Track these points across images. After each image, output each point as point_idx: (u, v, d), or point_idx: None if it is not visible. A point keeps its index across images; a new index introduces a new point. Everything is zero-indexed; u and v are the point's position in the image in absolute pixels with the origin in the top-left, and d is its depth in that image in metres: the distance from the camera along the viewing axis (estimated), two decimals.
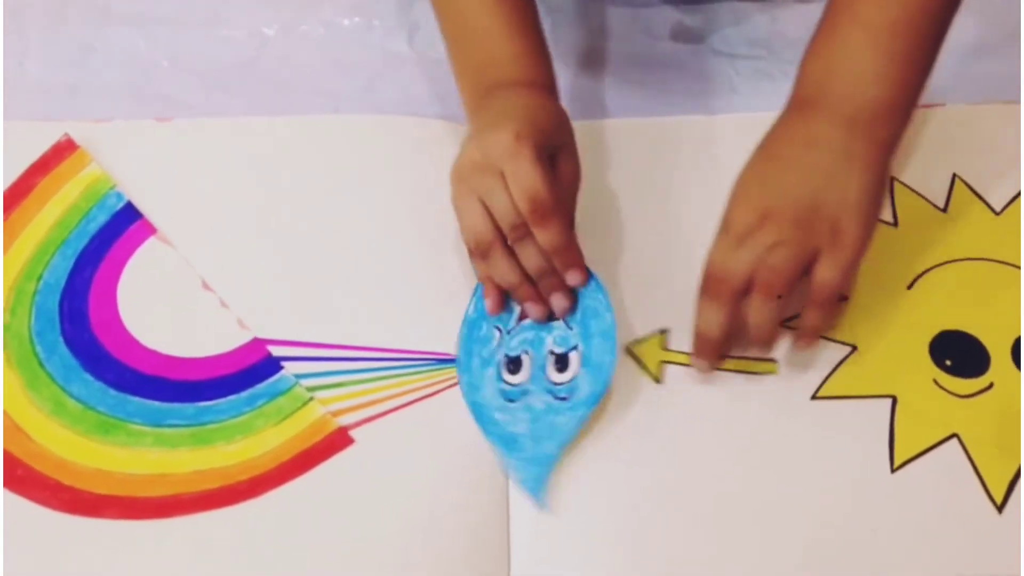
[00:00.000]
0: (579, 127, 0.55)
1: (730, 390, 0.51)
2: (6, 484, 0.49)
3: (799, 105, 0.51)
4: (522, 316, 0.52)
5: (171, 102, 0.64)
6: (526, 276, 0.51)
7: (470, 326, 0.53)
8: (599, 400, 0.50)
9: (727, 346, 0.51)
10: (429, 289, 0.55)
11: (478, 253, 0.51)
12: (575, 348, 0.51)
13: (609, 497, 0.49)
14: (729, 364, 0.52)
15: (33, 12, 0.68)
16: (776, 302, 0.49)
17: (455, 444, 0.50)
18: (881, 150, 0.50)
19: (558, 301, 0.51)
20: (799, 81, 0.52)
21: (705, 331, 0.50)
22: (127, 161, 0.60)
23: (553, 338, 0.51)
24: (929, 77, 0.51)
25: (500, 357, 0.52)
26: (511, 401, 0.50)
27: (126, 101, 0.64)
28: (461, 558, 0.47)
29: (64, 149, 0.60)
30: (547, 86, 0.55)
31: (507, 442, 0.49)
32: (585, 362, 0.51)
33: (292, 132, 0.62)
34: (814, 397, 0.51)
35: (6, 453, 0.50)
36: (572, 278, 0.51)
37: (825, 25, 0.51)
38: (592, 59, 0.66)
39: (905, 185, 0.58)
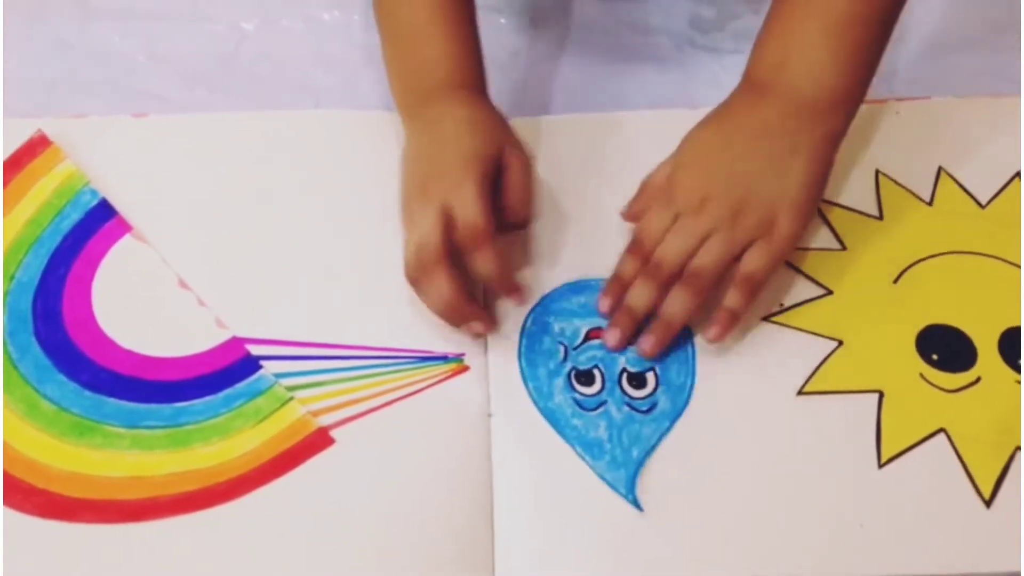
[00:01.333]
0: (561, 121, 0.54)
1: (712, 386, 0.51)
2: None
3: (752, 87, 0.53)
4: (590, 336, 0.53)
5: (150, 97, 0.63)
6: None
7: (530, 338, 0.52)
8: (682, 415, 0.50)
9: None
10: (410, 287, 0.54)
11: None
12: (651, 369, 0.51)
13: (593, 496, 0.48)
14: None
15: (9, 8, 0.67)
16: (699, 296, 0.51)
17: (438, 444, 0.50)
18: (827, 142, 0.52)
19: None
20: (753, 63, 0.54)
21: (635, 306, 0.52)
22: (102, 157, 0.59)
23: (626, 359, 0.52)
24: (875, 72, 0.53)
25: (568, 370, 0.52)
26: (587, 409, 0.50)
27: (105, 97, 0.63)
28: (445, 559, 0.46)
29: (37, 145, 0.59)
30: (479, 87, 0.56)
31: (589, 447, 0.49)
32: (663, 381, 0.51)
33: (271, 128, 0.61)
34: (800, 393, 0.50)
35: None
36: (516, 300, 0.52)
37: (780, 11, 0.52)
38: (575, 53, 0.66)
39: (890, 178, 0.58)
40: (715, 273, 0.50)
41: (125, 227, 0.56)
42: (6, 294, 0.54)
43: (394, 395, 0.51)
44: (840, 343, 0.52)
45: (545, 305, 0.54)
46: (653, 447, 0.49)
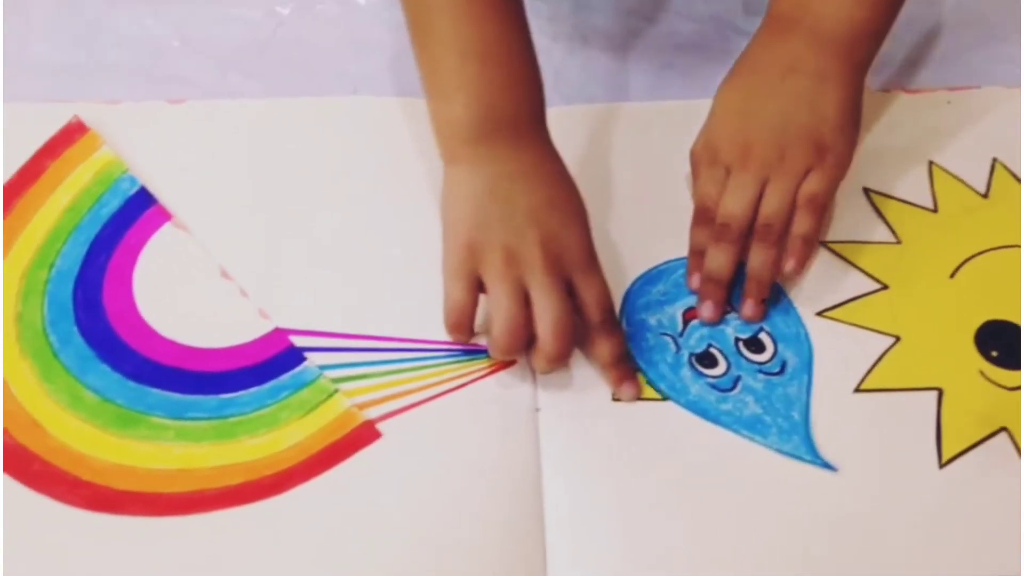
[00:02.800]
0: (605, 109, 0.53)
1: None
2: (22, 480, 0.47)
3: (775, 25, 0.54)
4: (688, 318, 0.52)
5: (183, 83, 0.62)
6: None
7: (634, 341, 0.51)
8: (813, 362, 0.50)
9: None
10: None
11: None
12: (760, 330, 0.51)
13: (644, 492, 0.47)
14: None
15: None
16: (777, 245, 0.51)
17: (486, 438, 0.49)
18: (855, 70, 0.52)
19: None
20: (774, 2, 0.54)
21: (716, 272, 0.51)
22: (138, 144, 0.58)
23: (732, 327, 0.52)
24: (900, 6, 0.54)
25: (687, 358, 0.51)
26: (726, 390, 0.50)
27: (136, 83, 0.62)
28: (495, 555, 0.46)
29: (74, 131, 0.58)
30: (542, 121, 0.52)
31: (751, 426, 0.49)
32: (779, 338, 0.51)
33: (310, 114, 0.60)
34: (857, 390, 0.49)
35: (21, 448, 0.48)
36: (626, 391, 0.49)
37: None
38: (620, 41, 0.64)
39: (944, 170, 0.57)
40: (784, 218, 0.51)
41: (165, 215, 0.56)
42: (46, 282, 0.54)
43: (440, 388, 0.50)
44: (897, 339, 0.51)
45: (631, 303, 0.53)
46: (807, 404, 0.49)
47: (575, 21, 0.65)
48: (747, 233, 0.51)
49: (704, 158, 0.53)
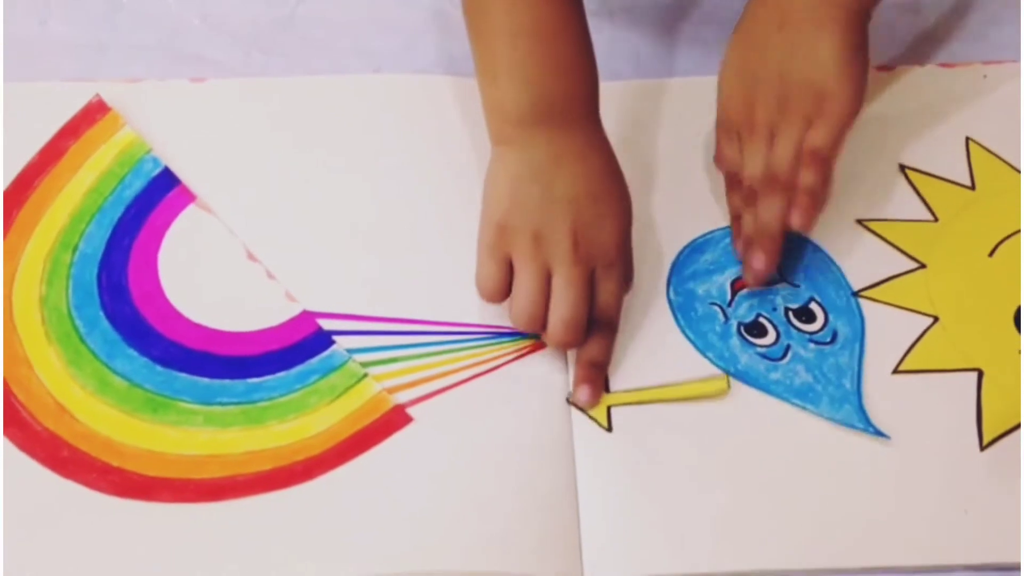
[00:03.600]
0: (649, 84, 0.52)
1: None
2: (51, 466, 0.47)
3: None
4: (737, 288, 0.51)
5: (204, 61, 0.61)
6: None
7: (682, 310, 0.51)
8: (865, 333, 0.49)
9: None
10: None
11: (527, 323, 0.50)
12: (811, 300, 0.51)
13: (686, 466, 0.47)
14: (676, 392, 0.49)
15: None
16: (783, 196, 0.50)
17: (519, 421, 0.48)
18: (854, 15, 0.51)
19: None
20: None
21: (771, 223, 0.50)
22: (160, 123, 0.57)
23: (782, 297, 0.51)
24: None
25: (735, 328, 0.50)
26: (776, 359, 0.49)
27: (157, 61, 0.61)
28: (530, 538, 0.45)
29: (95, 111, 0.58)
30: (594, 107, 0.51)
31: (801, 395, 0.48)
32: (830, 308, 0.50)
33: (333, 92, 0.59)
34: (896, 371, 0.49)
35: (50, 434, 0.48)
36: (582, 394, 0.49)
37: None
38: (663, 17, 0.63)
39: (981, 146, 0.56)
40: (788, 169, 0.50)
41: (189, 196, 0.55)
42: (70, 265, 0.53)
43: (471, 372, 0.50)
44: (935, 319, 0.50)
45: (678, 272, 0.52)
46: (859, 373, 0.48)
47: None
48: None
49: (720, 127, 0.54)
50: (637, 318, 0.51)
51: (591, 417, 0.48)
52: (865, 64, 0.51)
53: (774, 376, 0.49)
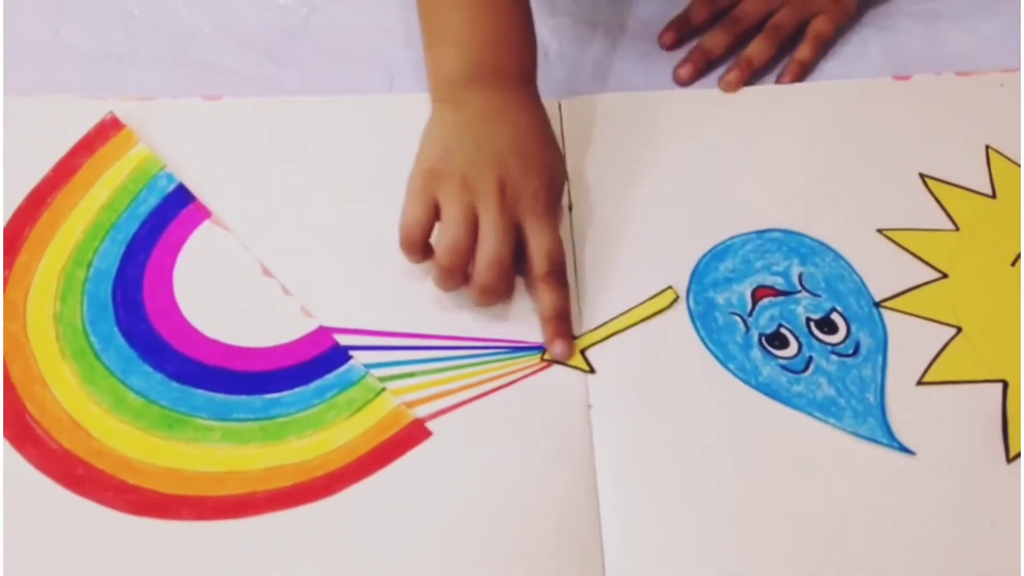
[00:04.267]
0: (661, 95, 0.53)
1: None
2: (67, 484, 0.47)
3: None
4: (758, 297, 0.51)
5: (217, 71, 0.61)
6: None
7: (702, 319, 0.51)
8: (888, 345, 0.49)
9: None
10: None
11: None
12: (833, 310, 0.50)
13: (708, 481, 0.46)
14: (632, 317, 0.50)
15: None
16: (774, 48, 0.59)
17: (539, 435, 0.48)
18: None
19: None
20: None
21: (710, 49, 0.60)
22: (174, 141, 0.57)
23: (803, 307, 0.51)
24: None
25: (756, 338, 0.50)
26: (798, 372, 0.49)
27: (170, 70, 0.61)
28: (552, 553, 0.45)
29: (109, 128, 0.57)
30: (529, 72, 0.54)
31: (825, 408, 0.48)
32: (852, 319, 0.50)
33: (347, 111, 0.59)
34: (920, 383, 0.48)
35: (65, 451, 0.47)
36: (559, 348, 0.50)
37: None
38: (641, 27, 0.63)
39: (1001, 154, 0.55)
40: (793, 29, 0.59)
41: (204, 213, 0.55)
42: (84, 281, 0.53)
43: (489, 386, 0.49)
44: (959, 330, 0.50)
45: (698, 281, 0.52)
46: (882, 386, 0.48)
47: (617, 9, 0.64)
48: (750, 34, 0.60)
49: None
50: (657, 328, 0.50)
51: (571, 366, 0.49)
52: None
53: (796, 389, 0.48)
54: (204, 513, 0.46)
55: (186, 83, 0.60)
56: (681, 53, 0.61)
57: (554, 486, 0.46)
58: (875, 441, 0.47)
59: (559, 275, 0.50)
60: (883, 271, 0.51)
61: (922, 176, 0.55)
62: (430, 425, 0.48)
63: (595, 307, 0.51)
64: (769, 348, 0.50)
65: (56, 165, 0.56)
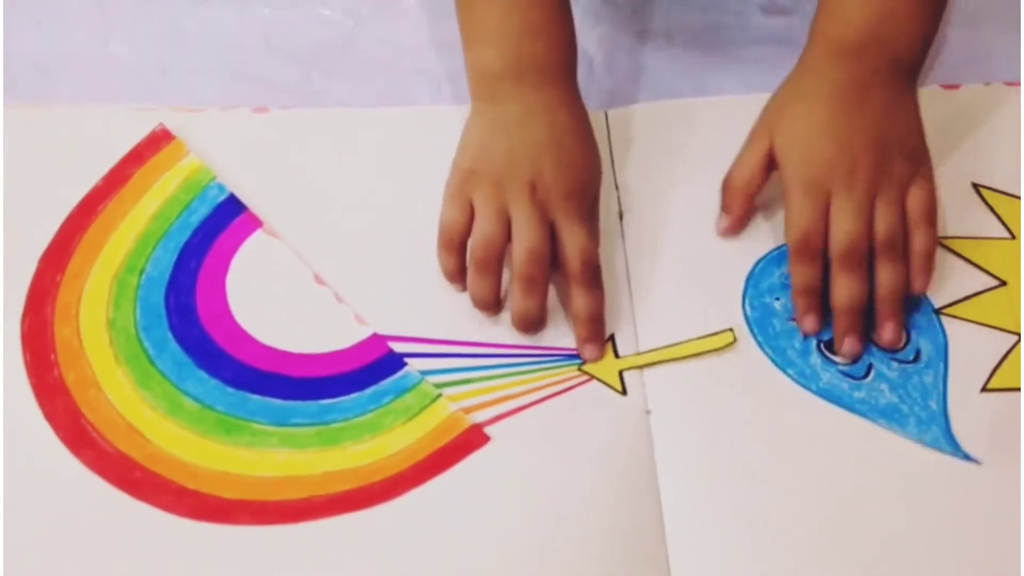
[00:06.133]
0: (715, 102, 0.52)
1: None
2: (124, 487, 0.46)
3: (837, 47, 0.52)
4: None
5: (265, 83, 0.61)
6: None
7: (759, 324, 0.50)
8: (949, 351, 0.49)
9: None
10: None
11: None
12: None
13: (772, 487, 0.46)
14: (685, 350, 0.49)
15: None
16: (904, 261, 0.50)
17: (598, 440, 0.47)
18: (914, 79, 0.53)
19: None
20: (834, 24, 0.52)
21: (853, 301, 0.49)
22: (223, 152, 0.57)
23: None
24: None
25: (815, 345, 0.50)
26: (859, 378, 0.48)
27: (219, 83, 0.61)
28: (615, 555, 0.44)
29: (159, 139, 0.57)
30: (568, 68, 0.54)
31: (888, 414, 0.48)
32: (913, 326, 0.50)
33: (394, 123, 0.59)
34: (984, 390, 0.48)
35: (122, 455, 0.47)
36: (589, 352, 0.49)
37: None
38: (685, 35, 0.63)
39: None
40: (903, 232, 0.49)
41: (256, 222, 0.55)
42: (137, 288, 0.53)
43: (546, 392, 0.49)
44: (1020, 337, 0.49)
45: (754, 286, 0.52)
46: (944, 394, 0.48)
47: (661, 18, 0.64)
48: (869, 257, 0.49)
49: (798, 185, 0.50)
50: (683, 311, 0.50)
51: (604, 382, 0.48)
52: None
53: (858, 395, 0.48)
54: (264, 518, 0.45)
55: (234, 95, 0.60)
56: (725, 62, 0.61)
57: (616, 492, 0.46)
58: (939, 449, 0.46)
59: (593, 275, 0.50)
60: (943, 279, 0.51)
61: (975, 186, 0.54)
62: (488, 430, 0.48)
63: (649, 320, 0.51)
64: (828, 354, 0.49)
65: (107, 175, 0.56)
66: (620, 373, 0.50)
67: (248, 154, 0.57)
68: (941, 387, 0.48)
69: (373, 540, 0.45)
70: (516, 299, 0.50)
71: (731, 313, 0.51)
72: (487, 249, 0.50)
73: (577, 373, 0.50)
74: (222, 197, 0.55)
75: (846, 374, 0.49)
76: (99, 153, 0.57)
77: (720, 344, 0.49)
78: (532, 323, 0.50)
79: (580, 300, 0.49)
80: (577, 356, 0.50)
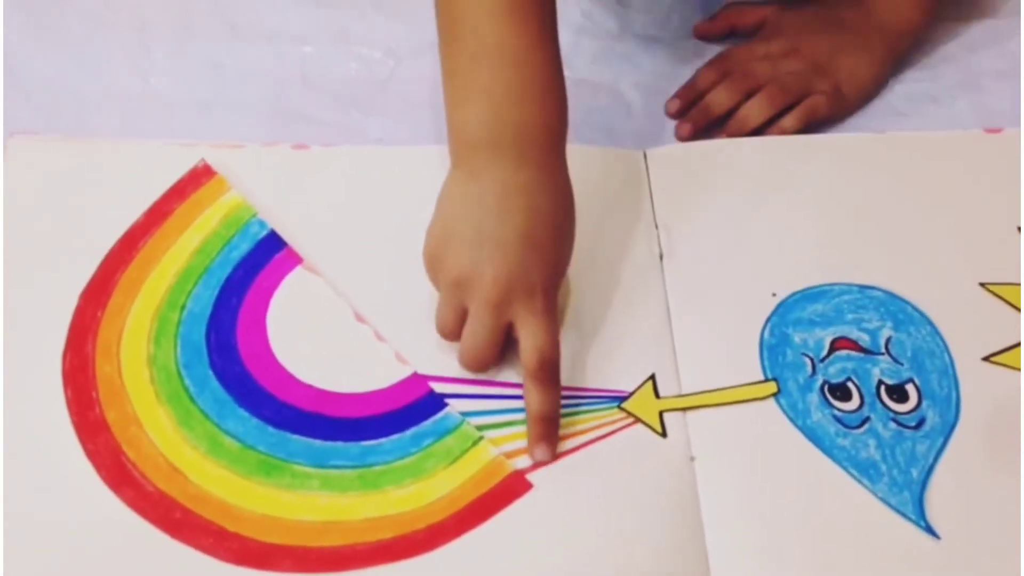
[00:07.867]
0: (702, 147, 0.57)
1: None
2: (164, 527, 0.46)
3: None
4: (836, 347, 0.50)
5: (304, 120, 0.62)
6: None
7: (771, 351, 0.50)
8: (954, 430, 0.48)
9: None
10: (593, 323, 0.52)
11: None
12: (910, 380, 0.50)
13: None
14: (727, 396, 0.49)
15: (156, 29, 0.66)
16: (773, 108, 0.60)
17: (641, 488, 0.47)
18: (893, 53, 0.62)
19: (542, 452, 0.47)
20: None
21: (713, 105, 0.61)
22: (263, 188, 0.57)
23: (880, 370, 0.50)
24: None
25: (820, 384, 0.49)
26: (850, 427, 0.48)
27: (259, 119, 0.62)
28: None
29: (201, 175, 0.58)
30: (554, 137, 0.49)
31: (863, 468, 0.47)
32: (927, 394, 0.49)
33: (432, 160, 0.58)
34: None
35: (163, 495, 0.47)
36: (540, 453, 0.48)
37: None
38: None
39: None
40: (798, 91, 0.59)
41: (296, 259, 0.55)
42: (178, 324, 0.53)
43: (588, 436, 0.49)
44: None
45: (781, 315, 0.52)
46: (931, 466, 0.47)
47: (695, 62, 0.64)
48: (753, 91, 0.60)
49: (753, 43, 0.63)
50: (723, 352, 0.51)
51: (645, 423, 0.48)
52: (884, 75, 0.62)
53: (841, 442, 0.48)
54: (306, 565, 0.45)
55: (274, 132, 0.61)
56: None
57: (661, 535, 0.46)
58: (902, 514, 0.46)
59: (550, 374, 0.48)
60: (988, 326, 0.51)
61: (1021, 230, 0.54)
62: (530, 477, 0.48)
63: (691, 361, 0.51)
64: (829, 396, 0.49)
65: (148, 210, 0.57)
66: (660, 414, 0.49)
67: (288, 190, 0.58)
68: (932, 459, 0.47)
69: None
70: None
71: (748, 337, 0.51)
72: (443, 337, 0.50)
73: (618, 415, 0.49)
74: (263, 233, 0.56)
75: (838, 419, 0.49)
76: (141, 188, 0.57)
77: (763, 393, 0.49)
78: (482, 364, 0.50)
79: (535, 398, 0.47)
80: (619, 398, 0.50)
